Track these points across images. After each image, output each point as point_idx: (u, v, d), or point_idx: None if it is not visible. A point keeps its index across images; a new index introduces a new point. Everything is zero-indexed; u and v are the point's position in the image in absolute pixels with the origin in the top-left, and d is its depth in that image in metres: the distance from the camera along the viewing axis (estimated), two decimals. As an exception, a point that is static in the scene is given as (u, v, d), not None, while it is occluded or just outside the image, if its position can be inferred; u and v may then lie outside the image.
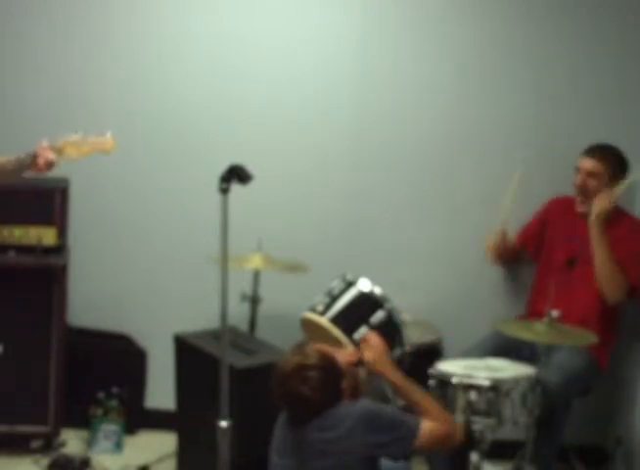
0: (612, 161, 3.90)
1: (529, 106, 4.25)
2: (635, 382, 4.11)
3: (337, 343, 3.50)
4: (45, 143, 3.12)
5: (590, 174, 3.89)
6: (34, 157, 3.12)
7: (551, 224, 4.07)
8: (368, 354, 3.05)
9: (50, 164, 3.14)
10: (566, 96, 4.23)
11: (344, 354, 3.01)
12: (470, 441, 3.32)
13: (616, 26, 4.17)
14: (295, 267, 4.05)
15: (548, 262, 4.03)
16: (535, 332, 3.34)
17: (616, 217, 3.87)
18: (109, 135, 3.25)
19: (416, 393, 2.98)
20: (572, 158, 4.03)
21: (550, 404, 3.38)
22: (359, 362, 3.03)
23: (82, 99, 4.19)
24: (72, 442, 4.18)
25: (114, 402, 4.20)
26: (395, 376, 3.02)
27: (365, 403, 2.85)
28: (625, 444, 4.00)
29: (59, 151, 3.16)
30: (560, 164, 4.23)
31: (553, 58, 4.21)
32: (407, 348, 3.38)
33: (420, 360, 3.68)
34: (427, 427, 2.82)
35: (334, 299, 3.56)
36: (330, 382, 2.83)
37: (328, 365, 2.85)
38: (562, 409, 3.55)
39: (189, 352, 3.70)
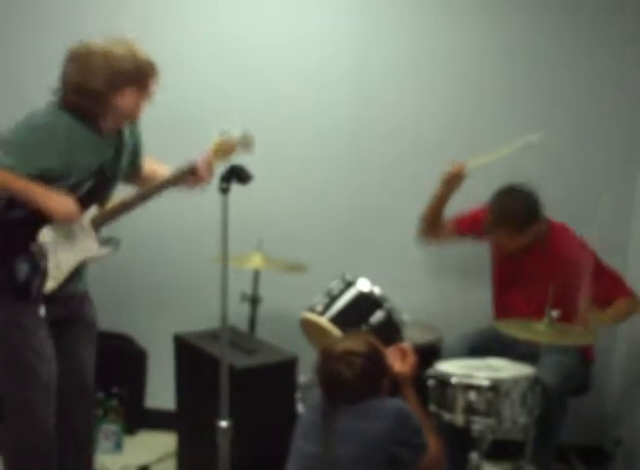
0: (511, 223, 3.72)
1: (529, 105, 4.26)
2: (635, 382, 4.12)
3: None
4: (202, 159, 3.17)
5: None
6: (193, 171, 3.16)
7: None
8: (403, 365, 3.06)
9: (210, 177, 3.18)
10: (566, 95, 4.23)
11: (396, 358, 3.06)
12: (470, 441, 3.33)
13: (616, 26, 4.18)
14: (294, 267, 4.05)
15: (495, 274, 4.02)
16: (535, 332, 3.35)
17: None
18: (246, 131, 3.23)
19: (424, 414, 3.02)
20: (572, 156, 4.04)
21: (546, 404, 3.39)
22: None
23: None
24: (73, 442, 4.18)
25: (113, 402, 4.21)
26: (413, 392, 3.06)
27: (401, 403, 2.88)
28: (625, 444, 4.00)
29: (211, 162, 3.19)
30: (560, 162, 4.25)
31: (553, 57, 4.21)
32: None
33: (420, 360, 3.70)
34: (431, 447, 2.88)
35: (333, 299, 3.57)
36: (373, 373, 2.87)
37: (375, 358, 2.89)
38: (558, 409, 3.56)
39: (189, 352, 3.70)
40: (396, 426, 2.78)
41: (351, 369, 2.83)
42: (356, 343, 2.89)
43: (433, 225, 3.99)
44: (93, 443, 3.50)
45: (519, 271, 3.86)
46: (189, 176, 3.21)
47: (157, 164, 3.41)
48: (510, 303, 3.88)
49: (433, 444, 2.90)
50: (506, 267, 3.93)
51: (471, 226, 3.97)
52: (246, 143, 3.20)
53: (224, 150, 3.19)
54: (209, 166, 3.18)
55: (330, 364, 2.87)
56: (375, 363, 2.88)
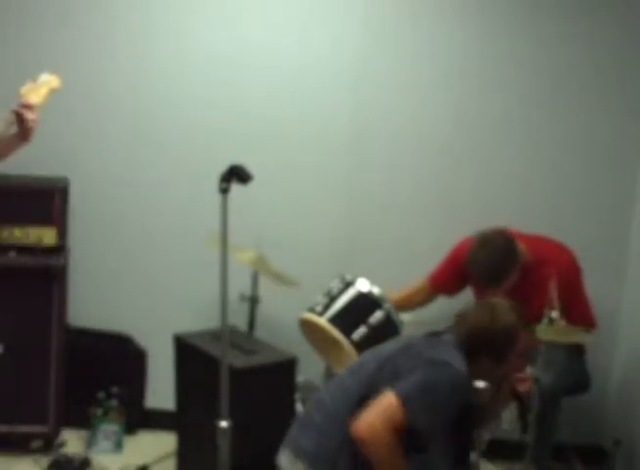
0: (492, 281, 3.69)
1: (532, 106, 4.26)
2: (635, 382, 4.12)
3: (335, 343, 3.52)
4: (17, 106, 2.95)
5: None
6: (20, 122, 2.94)
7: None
8: (521, 386, 3.05)
9: (35, 123, 2.98)
10: (566, 95, 4.23)
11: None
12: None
13: (616, 27, 4.18)
14: (283, 279, 3.98)
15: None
16: (535, 331, 3.36)
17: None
18: (50, 74, 3.07)
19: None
20: (575, 159, 4.04)
21: (542, 404, 3.39)
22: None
23: (84, 98, 4.19)
24: (72, 442, 4.18)
25: (114, 402, 4.21)
26: (509, 398, 3.04)
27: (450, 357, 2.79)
28: (625, 444, 4.00)
29: (29, 105, 2.96)
30: (564, 161, 4.26)
31: (553, 57, 4.21)
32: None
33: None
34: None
35: (332, 299, 3.57)
36: (496, 341, 2.83)
37: (510, 336, 2.84)
38: (552, 408, 3.56)
39: (189, 352, 3.70)
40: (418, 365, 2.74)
41: (487, 321, 2.82)
42: (512, 317, 2.85)
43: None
44: None
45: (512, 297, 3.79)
46: (18, 126, 2.97)
47: None
48: None
49: None
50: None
51: (444, 275, 3.98)
52: (49, 82, 3.05)
53: (34, 91, 3.00)
54: (26, 107, 2.95)
55: (483, 307, 2.90)
56: (506, 338, 2.83)
